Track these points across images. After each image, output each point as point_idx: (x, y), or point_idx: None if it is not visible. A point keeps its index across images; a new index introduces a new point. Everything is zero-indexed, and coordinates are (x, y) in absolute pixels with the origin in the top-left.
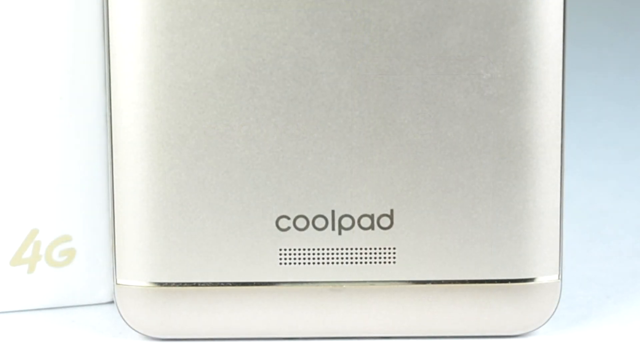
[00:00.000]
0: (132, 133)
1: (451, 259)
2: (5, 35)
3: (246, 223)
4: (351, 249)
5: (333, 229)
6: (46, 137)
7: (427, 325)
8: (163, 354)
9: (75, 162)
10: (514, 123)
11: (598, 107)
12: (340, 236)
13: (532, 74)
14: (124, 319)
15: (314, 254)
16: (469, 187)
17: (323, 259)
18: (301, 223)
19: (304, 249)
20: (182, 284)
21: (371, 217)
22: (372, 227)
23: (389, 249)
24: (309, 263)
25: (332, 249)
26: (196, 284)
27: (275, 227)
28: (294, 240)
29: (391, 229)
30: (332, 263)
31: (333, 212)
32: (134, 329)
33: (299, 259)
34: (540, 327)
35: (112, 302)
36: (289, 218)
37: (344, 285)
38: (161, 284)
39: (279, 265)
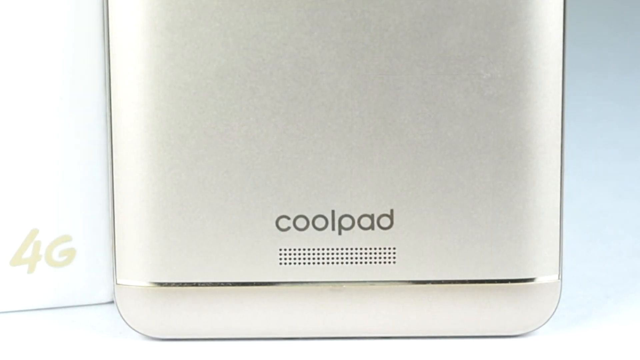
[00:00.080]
0: (132, 133)
1: (451, 259)
2: (6, 35)
3: (246, 223)
4: (351, 249)
5: (333, 229)
6: (46, 137)
7: (427, 325)
8: (163, 354)
9: (75, 162)
10: (514, 123)
11: (598, 107)
12: (340, 236)
13: (532, 74)
14: (124, 319)
15: (314, 254)
16: (469, 187)
17: (323, 259)
18: (301, 223)
19: (304, 249)
20: (182, 284)
21: (371, 217)
22: (372, 227)
23: (389, 249)
24: (309, 263)
25: (332, 249)
26: (196, 284)
27: (275, 227)
28: (294, 240)
29: (391, 229)
30: (332, 263)
31: (333, 212)
32: (134, 329)
33: (299, 259)
34: (540, 327)
35: (112, 302)
36: (289, 218)
37: (344, 285)
38: (161, 284)
39: (279, 265)
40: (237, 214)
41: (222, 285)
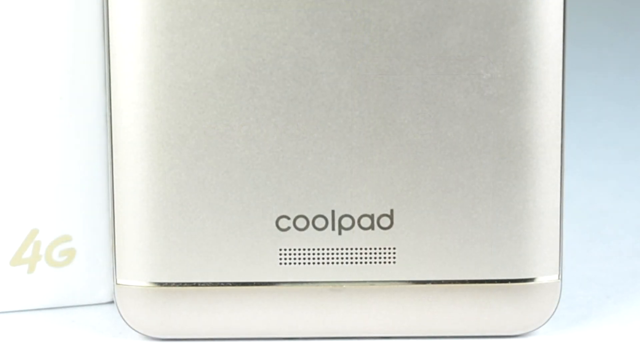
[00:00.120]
0: (132, 133)
1: (451, 259)
2: (6, 35)
3: (246, 223)
4: (351, 249)
5: (333, 229)
6: (46, 137)
7: (427, 325)
8: (163, 354)
9: (75, 162)
10: (514, 123)
11: (598, 107)
12: (340, 236)
13: (532, 74)
14: (124, 319)
15: (314, 254)
16: (469, 187)
17: (323, 259)
18: (301, 223)
19: (304, 249)
20: (182, 284)
21: (371, 217)
22: (372, 227)
23: (389, 249)
24: (309, 263)
25: (332, 249)
26: (196, 284)
27: (275, 227)
28: (294, 240)
29: (391, 229)
30: (332, 263)
31: (333, 212)
32: (134, 329)
33: (299, 259)
34: (540, 327)
35: (112, 302)
36: (289, 218)
37: (344, 285)
38: (161, 284)
39: (279, 265)
40: (237, 214)
41: (222, 285)
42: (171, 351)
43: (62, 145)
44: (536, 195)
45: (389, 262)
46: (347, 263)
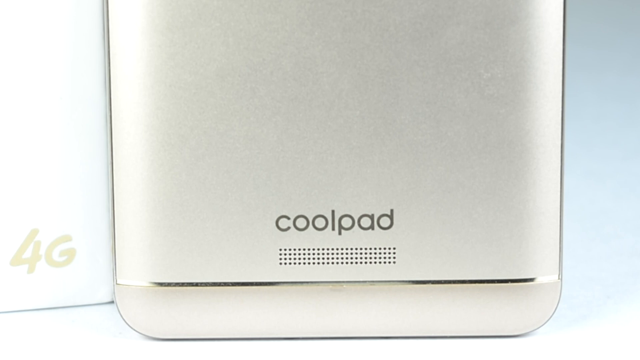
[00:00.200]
0: (132, 133)
1: (451, 259)
2: (6, 35)
3: (246, 223)
4: (351, 249)
5: (333, 229)
6: (46, 137)
7: (427, 325)
8: (163, 354)
9: (76, 162)
10: (514, 123)
11: (598, 107)
12: (340, 236)
13: (532, 74)
14: (124, 319)
15: (314, 254)
16: (469, 187)
17: (323, 259)
18: (301, 223)
19: (304, 249)
20: (182, 284)
21: (371, 217)
22: (372, 227)
23: (389, 249)
24: (309, 263)
25: (332, 249)
26: (196, 284)
27: (275, 227)
28: (294, 240)
29: (391, 229)
30: (332, 263)
31: (333, 212)
32: (134, 329)
33: (299, 259)
34: (540, 327)
35: (112, 302)
36: (289, 218)
37: (344, 285)
38: (161, 284)
39: (279, 265)
40: (237, 214)
41: (222, 285)
42: (171, 351)
43: (62, 145)
44: (536, 195)
45: (389, 262)
46: (347, 263)
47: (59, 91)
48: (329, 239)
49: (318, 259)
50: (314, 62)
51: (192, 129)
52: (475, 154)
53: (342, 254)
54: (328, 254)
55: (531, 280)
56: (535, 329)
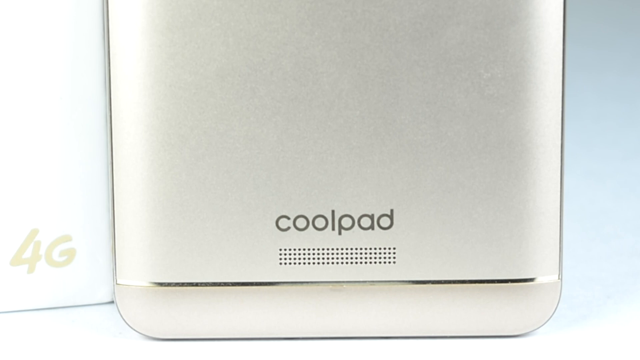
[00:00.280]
0: (132, 133)
1: (451, 259)
2: (6, 35)
3: (246, 223)
4: (351, 249)
5: (333, 229)
6: (46, 137)
7: (427, 325)
8: (163, 354)
9: (76, 162)
10: (514, 123)
11: (598, 107)
12: (340, 236)
13: (532, 74)
14: (124, 319)
15: (314, 254)
16: (469, 187)
17: (323, 259)
18: (301, 223)
19: (304, 249)
20: (182, 284)
21: (371, 217)
22: (372, 227)
23: (389, 249)
24: (309, 263)
25: (332, 249)
26: (196, 284)
27: (275, 227)
28: (294, 240)
29: (391, 229)
30: (332, 263)
31: (333, 212)
32: (134, 329)
33: (299, 259)
34: (540, 327)
35: (112, 302)
36: (289, 218)
37: (344, 285)
38: (161, 284)
39: (279, 265)
40: (237, 214)
41: (222, 285)
42: (171, 351)
43: (62, 145)
44: (536, 195)
45: (389, 262)
46: (347, 263)
47: (59, 91)
48: (329, 239)
49: (318, 259)
50: (314, 62)
51: (192, 129)
52: (475, 154)
53: (342, 254)
54: (328, 254)
55: (531, 280)
56: (535, 329)
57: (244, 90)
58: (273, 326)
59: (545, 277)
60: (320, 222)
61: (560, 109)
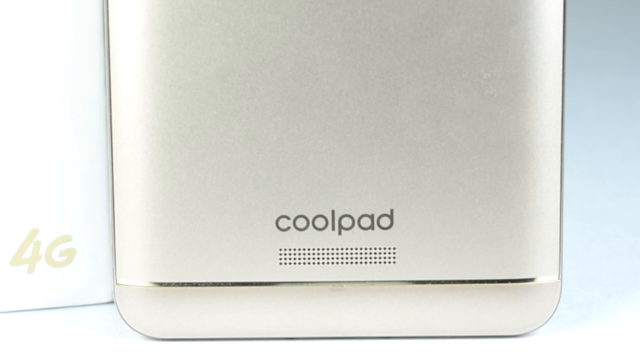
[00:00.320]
0: (132, 133)
1: (451, 259)
2: (6, 35)
3: (246, 223)
4: (351, 249)
5: (333, 229)
6: (46, 137)
7: (427, 325)
8: (163, 354)
9: (76, 162)
10: (514, 123)
11: (598, 107)
12: (340, 236)
13: (532, 74)
14: (124, 319)
15: (314, 254)
16: (469, 187)
17: (323, 259)
18: (301, 223)
19: (304, 249)
20: (182, 284)
21: (371, 217)
22: (372, 227)
23: (389, 249)
24: (309, 263)
25: (332, 249)
26: (196, 284)
27: (275, 227)
28: (294, 240)
29: (391, 229)
30: (332, 263)
31: (333, 212)
32: (134, 329)
33: (299, 259)
34: (540, 327)
35: (112, 302)
36: (289, 218)
37: (344, 285)
38: (161, 284)
39: (279, 265)
40: (237, 214)
41: (222, 285)
42: (171, 351)
43: (62, 145)
44: (536, 195)
45: (389, 262)
46: (347, 263)
47: (59, 91)
48: (329, 239)
49: (318, 259)
50: (314, 62)
51: (192, 129)
52: (475, 154)
53: (342, 254)
54: (328, 254)
55: (531, 280)
56: (535, 329)
57: (244, 90)
58: (273, 326)
59: (545, 277)
60: (320, 222)
61: (560, 109)
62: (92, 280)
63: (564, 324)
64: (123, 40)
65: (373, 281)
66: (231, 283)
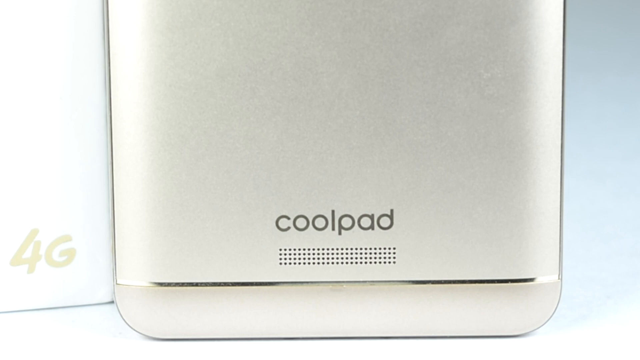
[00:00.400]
0: (132, 133)
1: (451, 259)
2: (6, 35)
3: (246, 223)
4: (351, 249)
5: (333, 229)
6: (46, 137)
7: (427, 325)
8: (163, 354)
9: (76, 162)
10: (514, 123)
11: (598, 107)
12: (340, 236)
13: (532, 74)
14: (124, 319)
15: (314, 254)
16: (469, 187)
17: (323, 259)
18: (301, 223)
19: (304, 249)
20: (182, 284)
21: (371, 217)
22: (372, 227)
23: (389, 249)
24: (309, 263)
25: (332, 249)
26: (196, 284)
27: (275, 227)
28: (294, 240)
29: (391, 229)
30: (332, 263)
31: (333, 212)
32: (134, 329)
33: (299, 259)
34: (540, 327)
35: (112, 302)
36: (289, 218)
37: (344, 285)
38: (161, 284)
39: (279, 265)
40: (237, 214)
41: (222, 285)
42: (171, 351)
43: (62, 145)
44: (536, 195)
45: (389, 262)
46: (347, 263)
47: (59, 91)
48: (329, 239)
49: (318, 259)
50: (314, 62)
51: (192, 129)
52: (475, 154)
53: (342, 254)
54: (328, 254)
55: (531, 280)
56: (535, 329)
57: (244, 90)
58: (273, 326)
59: (545, 277)
60: (320, 222)
61: (560, 109)
62: (92, 280)
63: (564, 324)
64: (123, 40)
65: (373, 281)
66: (231, 283)
